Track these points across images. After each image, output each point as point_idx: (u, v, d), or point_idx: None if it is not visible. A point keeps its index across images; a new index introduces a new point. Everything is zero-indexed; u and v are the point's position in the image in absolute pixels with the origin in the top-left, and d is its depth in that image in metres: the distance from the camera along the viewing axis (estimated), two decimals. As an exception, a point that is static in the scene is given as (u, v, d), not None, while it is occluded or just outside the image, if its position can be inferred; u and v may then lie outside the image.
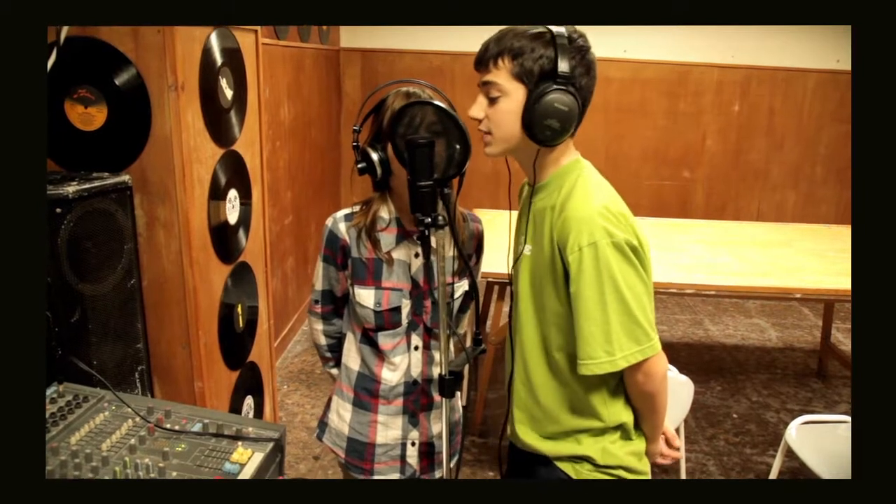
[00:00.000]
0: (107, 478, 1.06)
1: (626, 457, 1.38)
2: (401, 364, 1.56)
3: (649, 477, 1.44)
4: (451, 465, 1.62)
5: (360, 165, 1.42)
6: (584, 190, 1.27)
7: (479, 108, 1.30)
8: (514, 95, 1.25)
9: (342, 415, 1.64)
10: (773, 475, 2.45)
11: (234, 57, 1.92)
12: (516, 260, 1.41)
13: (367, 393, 1.59)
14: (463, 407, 1.72)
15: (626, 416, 1.37)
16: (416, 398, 1.59)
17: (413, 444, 1.61)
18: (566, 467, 1.39)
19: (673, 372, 2.26)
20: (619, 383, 1.34)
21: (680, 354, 4.18)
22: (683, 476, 2.58)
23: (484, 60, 1.27)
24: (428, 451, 1.63)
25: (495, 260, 1.70)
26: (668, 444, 1.51)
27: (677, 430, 1.58)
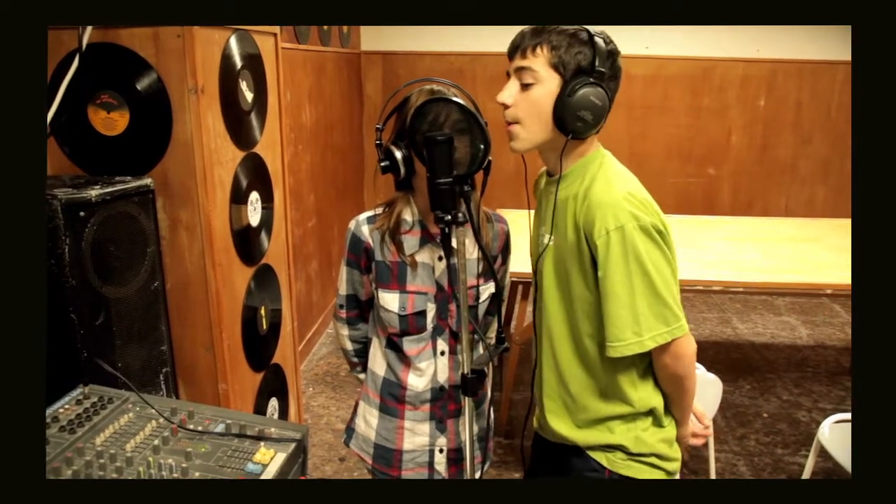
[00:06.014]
0: (131, 478, 1.07)
1: (658, 444, 1.38)
2: (427, 370, 1.54)
3: (680, 463, 1.43)
4: (483, 470, 1.60)
5: (382, 164, 1.40)
6: (607, 177, 1.29)
7: (508, 94, 1.30)
8: (548, 84, 1.26)
9: (369, 420, 1.62)
10: (805, 476, 2.39)
11: (253, 60, 1.93)
12: (540, 253, 1.41)
13: (393, 399, 1.58)
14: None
15: (657, 401, 1.37)
16: (444, 404, 1.57)
17: (441, 450, 1.59)
18: (599, 457, 1.39)
19: (701, 370, 2.22)
20: (648, 367, 1.35)
21: (708, 353, 4.11)
22: (713, 477, 2.54)
23: (522, 47, 1.28)
24: (457, 458, 1.60)
25: (519, 259, 1.69)
26: (698, 421, 1.50)
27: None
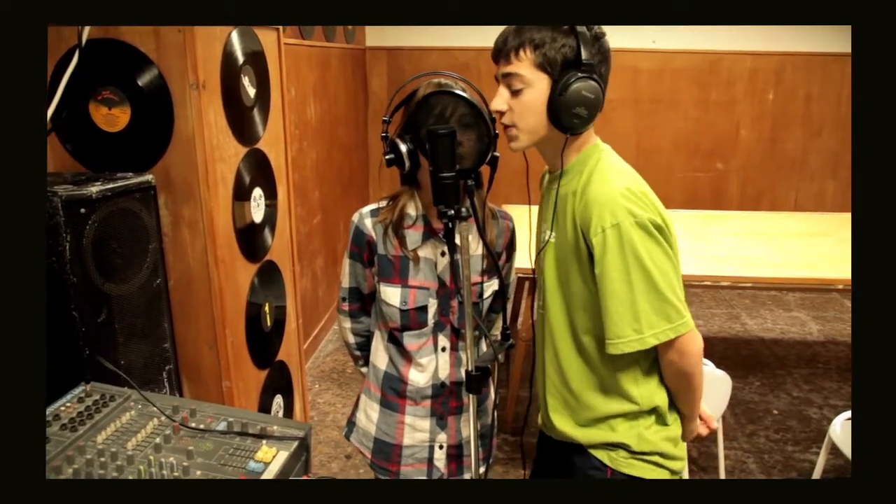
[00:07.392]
0: (131, 477, 1.06)
1: (662, 442, 1.36)
2: (428, 365, 1.53)
3: (685, 462, 1.41)
4: (482, 469, 1.59)
5: (387, 157, 1.38)
6: (604, 173, 1.26)
7: (501, 101, 1.28)
8: (537, 86, 1.24)
9: (370, 415, 1.61)
10: (816, 473, 2.37)
11: (256, 56, 1.91)
12: (541, 249, 1.40)
13: (394, 393, 1.57)
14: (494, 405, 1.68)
15: (660, 399, 1.35)
16: (445, 401, 1.56)
17: (441, 447, 1.57)
18: (601, 455, 1.37)
19: (710, 367, 2.20)
20: (652, 365, 1.33)
21: (717, 349, 4.08)
22: (722, 474, 2.51)
23: (504, 51, 1.26)
24: (457, 455, 1.59)
25: (525, 255, 1.68)
26: (705, 423, 1.48)
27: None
